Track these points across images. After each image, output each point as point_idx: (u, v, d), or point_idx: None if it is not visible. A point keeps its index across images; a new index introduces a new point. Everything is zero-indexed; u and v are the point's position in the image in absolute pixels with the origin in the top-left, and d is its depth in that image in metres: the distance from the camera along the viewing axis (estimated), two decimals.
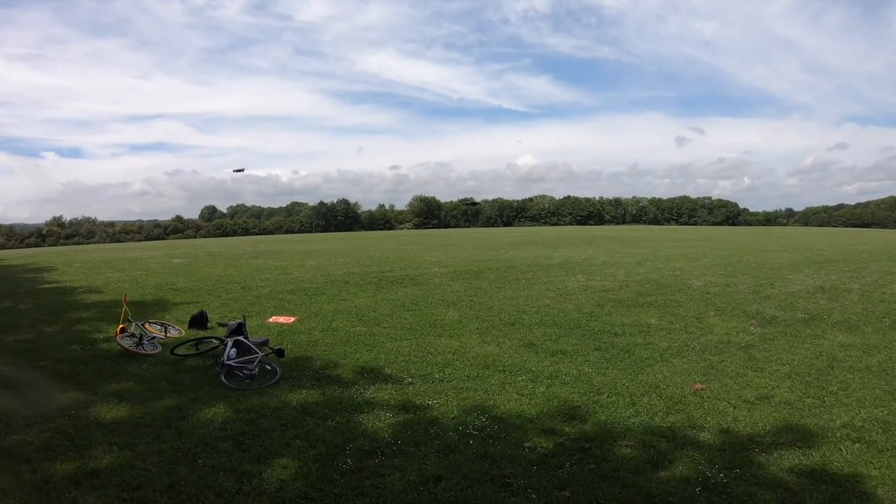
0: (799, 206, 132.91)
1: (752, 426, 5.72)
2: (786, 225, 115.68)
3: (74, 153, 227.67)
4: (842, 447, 5.21)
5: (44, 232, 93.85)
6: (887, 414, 6.02)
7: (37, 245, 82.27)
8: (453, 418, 5.89)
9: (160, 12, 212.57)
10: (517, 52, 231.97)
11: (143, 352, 8.45)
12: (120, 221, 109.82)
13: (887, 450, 5.18)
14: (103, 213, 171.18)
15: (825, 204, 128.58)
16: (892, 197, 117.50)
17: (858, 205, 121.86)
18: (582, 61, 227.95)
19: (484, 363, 7.96)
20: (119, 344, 8.49)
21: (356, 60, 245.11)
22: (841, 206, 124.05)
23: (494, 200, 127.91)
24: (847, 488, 4.50)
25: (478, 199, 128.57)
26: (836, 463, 4.92)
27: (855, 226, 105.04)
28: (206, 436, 5.45)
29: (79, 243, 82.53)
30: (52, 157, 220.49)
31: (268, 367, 7.55)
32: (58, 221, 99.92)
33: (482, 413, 6.02)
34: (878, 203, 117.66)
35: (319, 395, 6.60)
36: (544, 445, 5.24)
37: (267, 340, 8.82)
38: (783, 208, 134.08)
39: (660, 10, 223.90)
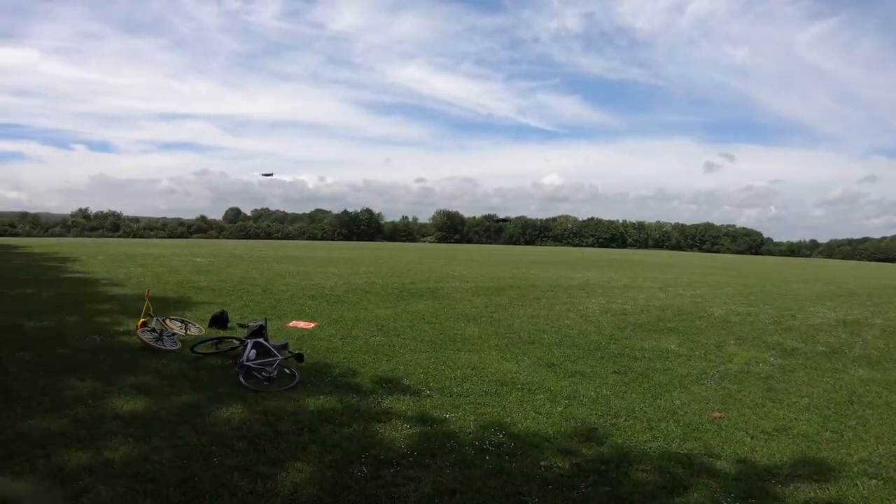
0: (824, 238, 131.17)
1: (770, 457, 5.59)
2: (809, 256, 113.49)
3: (104, 147, 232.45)
4: (858, 482, 5.09)
5: (69, 223, 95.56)
6: None
7: (61, 235, 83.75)
8: (470, 433, 5.82)
9: (195, 14, 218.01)
10: (547, 70, 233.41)
11: (163, 347, 8.45)
12: (144, 217, 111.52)
13: None
14: (128, 208, 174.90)
15: (851, 237, 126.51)
16: None
17: (884, 238, 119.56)
18: (612, 83, 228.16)
19: (502, 380, 7.87)
20: (139, 338, 8.56)
21: (387, 72, 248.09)
22: (866, 240, 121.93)
23: (518, 218, 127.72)
24: None
25: (501, 216, 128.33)
26: (852, 498, 4.81)
27: (880, 260, 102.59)
28: (223, 434, 5.42)
29: (102, 236, 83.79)
30: (82, 149, 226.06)
31: (286, 370, 7.50)
32: (83, 213, 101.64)
33: (499, 429, 5.95)
34: None
35: (337, 402, 6.55)
36: (560, 465, 5.15)
37: (287, 344, 8.81)
38: (807, 239, 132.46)
39: (692, 35, 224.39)
